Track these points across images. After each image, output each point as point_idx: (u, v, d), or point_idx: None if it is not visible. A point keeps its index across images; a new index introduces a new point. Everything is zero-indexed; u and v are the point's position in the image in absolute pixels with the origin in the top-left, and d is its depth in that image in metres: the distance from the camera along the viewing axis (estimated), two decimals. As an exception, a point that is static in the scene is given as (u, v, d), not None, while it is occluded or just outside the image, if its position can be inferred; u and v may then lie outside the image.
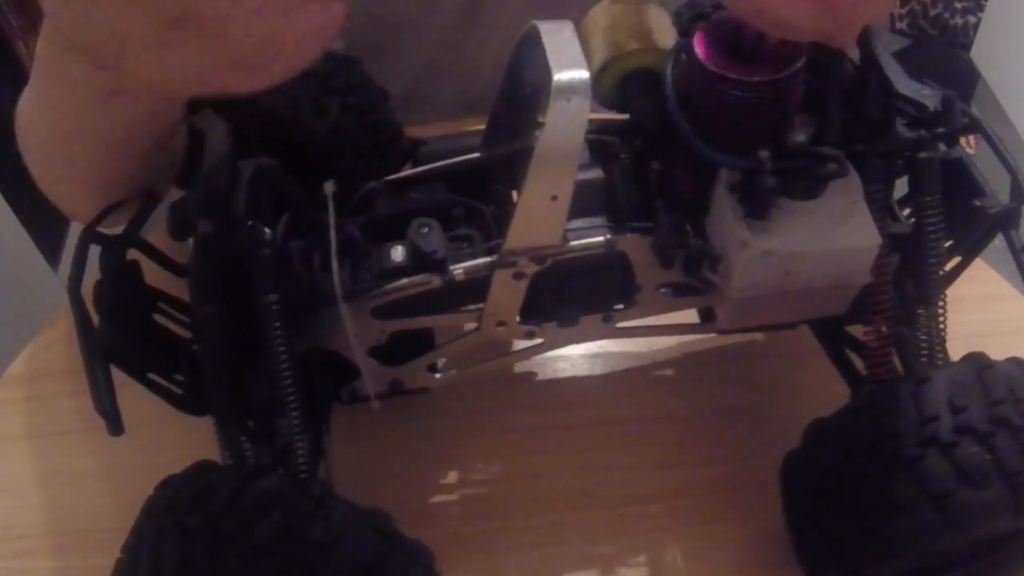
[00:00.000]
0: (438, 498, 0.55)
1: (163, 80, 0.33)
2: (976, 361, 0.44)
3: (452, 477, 0.56)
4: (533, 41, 0.42)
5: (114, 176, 0.49)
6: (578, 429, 0.58)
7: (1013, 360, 0.45)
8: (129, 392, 0.46)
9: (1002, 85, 1.96)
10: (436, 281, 0.45)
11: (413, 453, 0.57)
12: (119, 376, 0.45)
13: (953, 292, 0.52)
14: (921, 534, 0.41)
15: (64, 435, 0.58)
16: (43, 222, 0.54)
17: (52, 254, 1.42)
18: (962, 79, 1.97)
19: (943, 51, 2.10)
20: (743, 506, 0.53)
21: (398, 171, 0.51)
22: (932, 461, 0.41)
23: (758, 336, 0.57)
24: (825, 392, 0.53)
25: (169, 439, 0.49)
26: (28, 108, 0.49)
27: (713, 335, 0.58)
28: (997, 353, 0.46)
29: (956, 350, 0.49)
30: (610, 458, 0.57)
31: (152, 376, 0.46)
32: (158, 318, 0.48)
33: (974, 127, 0.49)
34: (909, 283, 0.50)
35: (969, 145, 1.15)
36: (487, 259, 0.46)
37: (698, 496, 0.55)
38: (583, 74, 0.40)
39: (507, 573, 0.52)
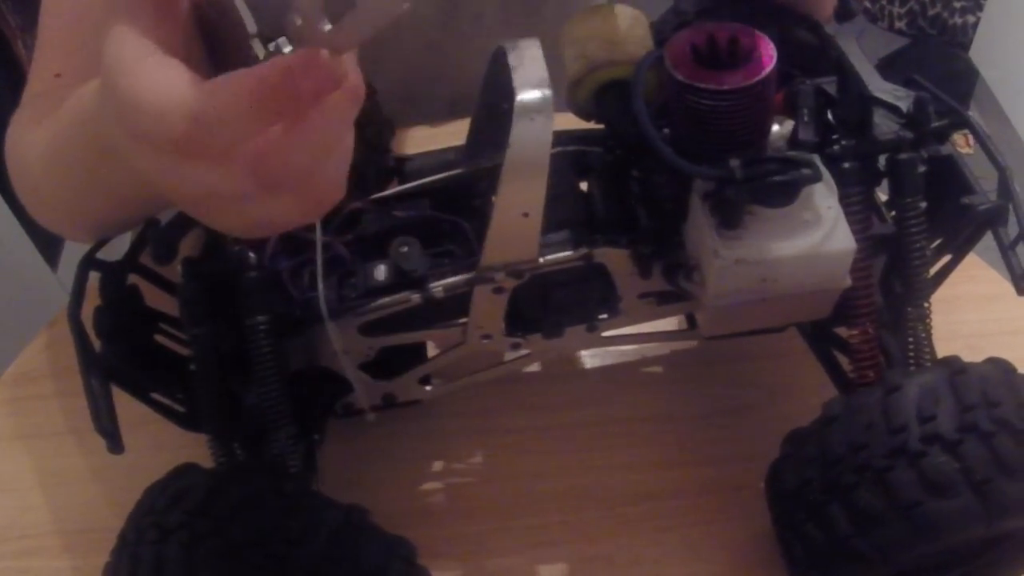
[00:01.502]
0: (438, 498, 0.54)
1: (243, 229, 0.32)
2: (949, 366, 0.42)
3: (452, 477, 0.55)
4: (501, 60, 0.41)
5: (121, 221, 0.49)
6: (578, 429, 0.57)
7: (991, 361, 0.43)
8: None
9: (1001, 85, 1.92)
10: (416, 298, 0.45)
11: (413, 453, 0.56)
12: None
13: (952, 292, 0.51)
14: (892, 544, 0.40)
15: (64, 435, 0.58)
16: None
17: (51, 254, 1.42)
18: (961, 79, 1.96)
19: (942, 51, 2.09)
20: (743, 506, 0.52)
21: (383, 189, 0.50)
22: (900, 472, 0.40)
23: (756, 336, 0.57)
24: (824, 392, 0.52)
25: (167, 439, 0.49)
26: (38, 154, 0.48)
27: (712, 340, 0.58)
28: (996, 354, 0.45)
29: (956, 350, 0.48)
30: (610, 458, 0.56)
31: (155, 396, 0.47)
32: (159, 338, 0.49)
33: (962, 124, 0.47)
34: (897, 284, 0.48)
35: (968, 144, 1.15)
36: (466, 276, 0.45)
37: (698, 496, 0.53)
38: (546, 93, 0.39)
39: (507, 573, 0.51)
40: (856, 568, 0.42)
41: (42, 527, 0.54)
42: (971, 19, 2.04)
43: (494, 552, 0.52)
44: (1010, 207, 0.46)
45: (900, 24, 2.11)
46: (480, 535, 0.52)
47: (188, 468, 0.41)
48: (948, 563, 0.46)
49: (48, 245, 1.40)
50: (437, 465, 0.56)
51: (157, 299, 0.49)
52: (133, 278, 0.48)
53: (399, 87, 0.74)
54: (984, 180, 0.48)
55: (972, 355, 0.44)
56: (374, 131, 0.55)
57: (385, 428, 0.57)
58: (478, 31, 0.74)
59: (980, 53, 2.01)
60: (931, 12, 2.07)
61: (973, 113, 0.48)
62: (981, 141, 0.47)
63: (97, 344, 0.44)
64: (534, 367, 0.61)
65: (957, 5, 2.05)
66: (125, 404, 0.44)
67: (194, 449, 0.45)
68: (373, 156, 0.54)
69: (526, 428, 0.58)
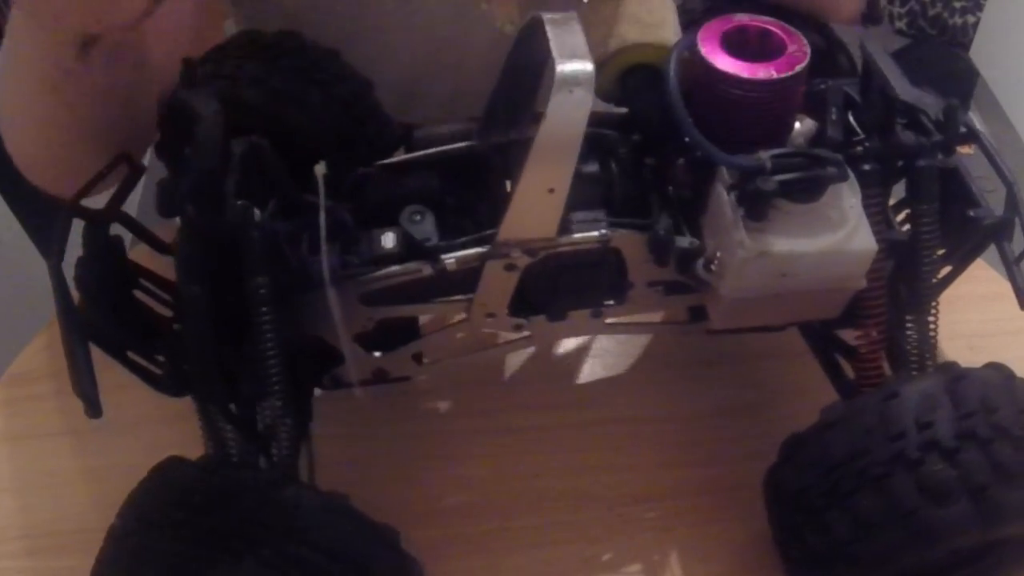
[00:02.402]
0: (439, 498, 0.55)
1: None
2: (948, 372, 0.43)
3: (452, 477, 0.55)
4: (536, 31, 0.41)
5: (83, 139, 0.49)
6: (578, 429, 0.58)
7: (991, 366, 0.44)
8: (131, 392, 0.46)
9: (1002, 85, 1.95)
10: (427, 270, 0.45)
11: (413, 453, 0.57)
12: (118, 376, 0.45)
13: (954, 292, 0.51)
14: (889, 550, 0.41)
15: (63, 436, 0.58)
16: (43, 222, 0.54)
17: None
18: (961, 79, 1.97)
19: (942, 51, 2.10)
20: (743, 506, 0.52)
21: (390, 156, 0.50)
22: (898, 479, 0.40)
23: (758, 336, 0.57)
24: (825, 392, 0.52)
25: (168, 439, 0.49)
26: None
27: (713, 335, 0.58)
28: (997, 353, 0.45)
29: (957, 350, 0.49)
30: (610, 458, 0.56)
31: (131, 356, 0.45)
32: (139, 295, 0.47)
33: (972, 138, 0.48)
34: (902, 289, 0.49)
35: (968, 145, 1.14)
36: (479, 249, 0.45)
37: (698, 496, 0.54)
38: (587, 67, 0.39)
39: (507, 573, 0.51)
40: (853, 573, 0.43)
41: (41, 527, 0.54)
42: (971, 19, 2.05)
43: (494, 552, 0.52)
44: (1016, 221, 0.46)
45: (900, 24, 2.12)
46: (480, 535, 0.53)
47: (171, 461, 0.41)
48: (947, 567, 0.46)
49: (48, 245, 1.40)
50: (438, 465, 0.56)
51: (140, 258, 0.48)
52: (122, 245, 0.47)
53: (401, 83, 0.74)
54: (984, 179, 0.48)
55: (973, 355, 0.44)
56: (374, 130, 0.55)
57: (386, 428, 0.57)
58: (483, 28, 0.74)
59: (980, 53, 2.02)
60: (931, 12, 2.08)
61: (974, 114, 0.48)
62: (989, 155, 0.48)
63: (77, 299, 0.43)
64: (535, 367, 0.61)
65: (957, 5, 2.06)
66: (127, 405, 0.43)
67: (194, 449, 0.45)
68: (352, 124, 0.53)
69: (526, 428, 0.58)
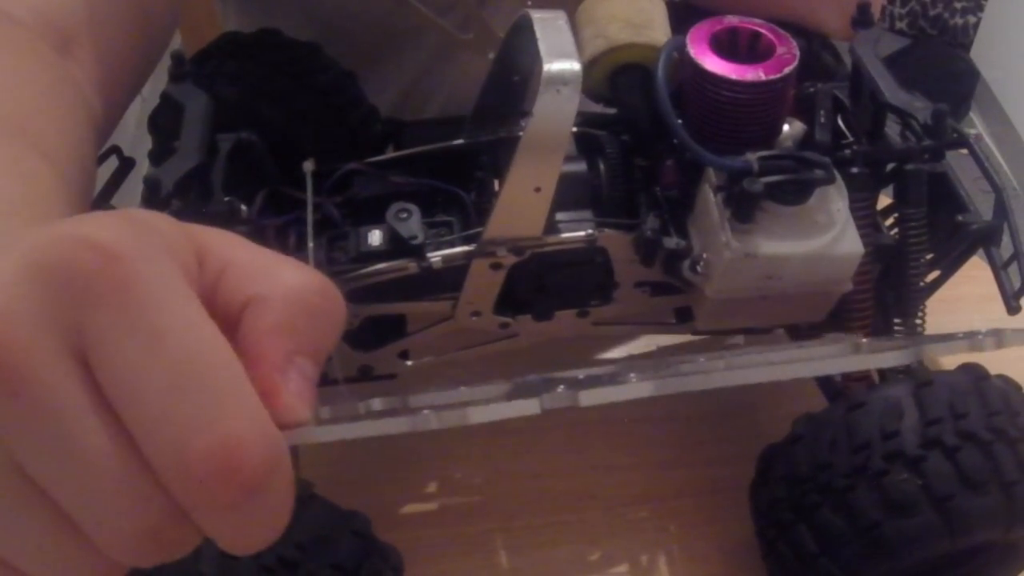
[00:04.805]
0: (438, 498, 0.55)
1: None
2: (915, 378, 0.43)
3: (451, 477, 0.56)
4: (525, 29, 0.41)
5: None
6: (578, 429, 0.58)
7: (962, 369, 0.44)
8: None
9: (1002, 85, 1.95)
10: (413, 267, 0.45)
11: (413, 453, 0.57)
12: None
13: (953, 292, 0.52)
14: (856, 564, 0.41)
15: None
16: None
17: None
18: (962, 79, 1.97)
19: (943, 51, 2.10)
20: (743, 506, 0.52)
21: (379, 153, 0.50)
22: (861, 491, 0.40)
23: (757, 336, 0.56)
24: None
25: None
26: None
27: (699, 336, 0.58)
28: (996, 354, 0.45)
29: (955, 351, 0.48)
30: (610, 458, 0.56)
31: None
32: None
33: (962, 143, 0.48)
34: (888, 293, 0.49)
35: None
36: (466, 248, 0.45)
37: (698, 496, 0.54)
38: (575, 65, 0.39)
39: (507, 573, 0.51)
40: None
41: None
42: (972, 19, 2.05)
43: (494, 552, 0.52)
44: (1004, 227, 0.46)
45: (901, 24, 2.12)
46: (480, 535, 0.53)
47: None
48: (933, 570, 0.46)
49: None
50: (437, 465, 0.56)
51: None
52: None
53: (408, 95, 0.74)
54: (983, 180, 0.48)
55: (971, 356, 0.44)
56: (357, 121, 0.55)
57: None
58: (492, 37, 0.74)
59: (981, 54, 2.02)
60: (932, 12, 2.08)
61: (974, 114, 0.49)
62: (979, 161, 0.48)
63: None
64: (533, 368, 0.61)
65: (958, 6, 2.06)
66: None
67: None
68: (334, 115, 0.53)
69: (526, 428, 0.58)
